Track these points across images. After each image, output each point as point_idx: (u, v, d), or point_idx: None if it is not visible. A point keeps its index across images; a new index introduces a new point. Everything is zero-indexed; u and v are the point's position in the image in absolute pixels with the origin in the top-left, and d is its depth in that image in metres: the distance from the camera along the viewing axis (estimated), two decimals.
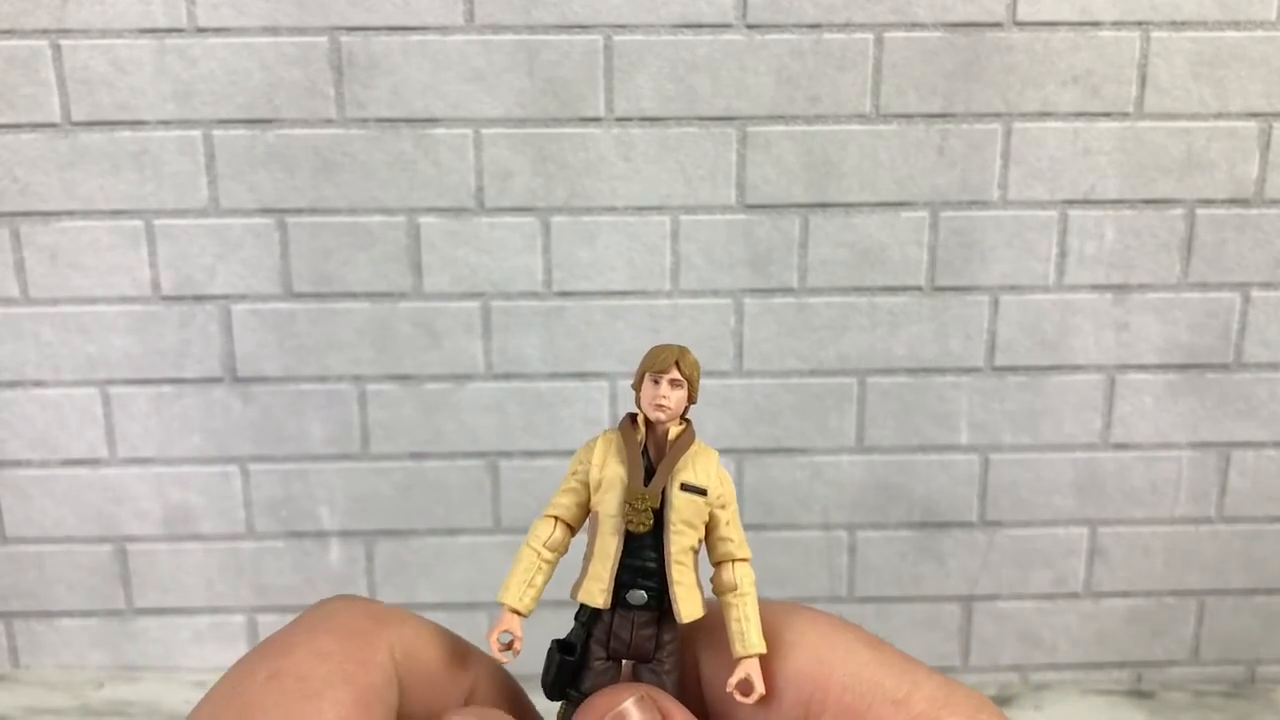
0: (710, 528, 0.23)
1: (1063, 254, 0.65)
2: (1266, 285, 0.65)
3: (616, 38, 0.61)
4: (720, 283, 0.65)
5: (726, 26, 0.61)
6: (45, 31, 0.60)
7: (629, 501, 0.22)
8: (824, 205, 0.64)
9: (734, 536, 0.24)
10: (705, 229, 0.64)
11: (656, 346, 0.23)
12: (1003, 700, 0.70)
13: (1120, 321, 0.66)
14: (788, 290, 0.65)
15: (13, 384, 0.65)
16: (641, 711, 0.20)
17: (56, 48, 0.61)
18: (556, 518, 0.23)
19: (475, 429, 0.67)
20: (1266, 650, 0.72)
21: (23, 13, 0.60)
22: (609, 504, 0.22)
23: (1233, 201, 0.64)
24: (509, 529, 0.68)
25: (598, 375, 0.66)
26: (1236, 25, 0.62)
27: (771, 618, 0.23)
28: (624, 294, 0.65)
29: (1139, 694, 0.71)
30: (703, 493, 0.23)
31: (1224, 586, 0.70)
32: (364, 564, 0.69)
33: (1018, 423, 0.67)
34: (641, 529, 0.22)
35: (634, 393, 0.23)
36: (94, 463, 0.67)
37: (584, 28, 0.61)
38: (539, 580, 0.22)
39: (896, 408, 0.67)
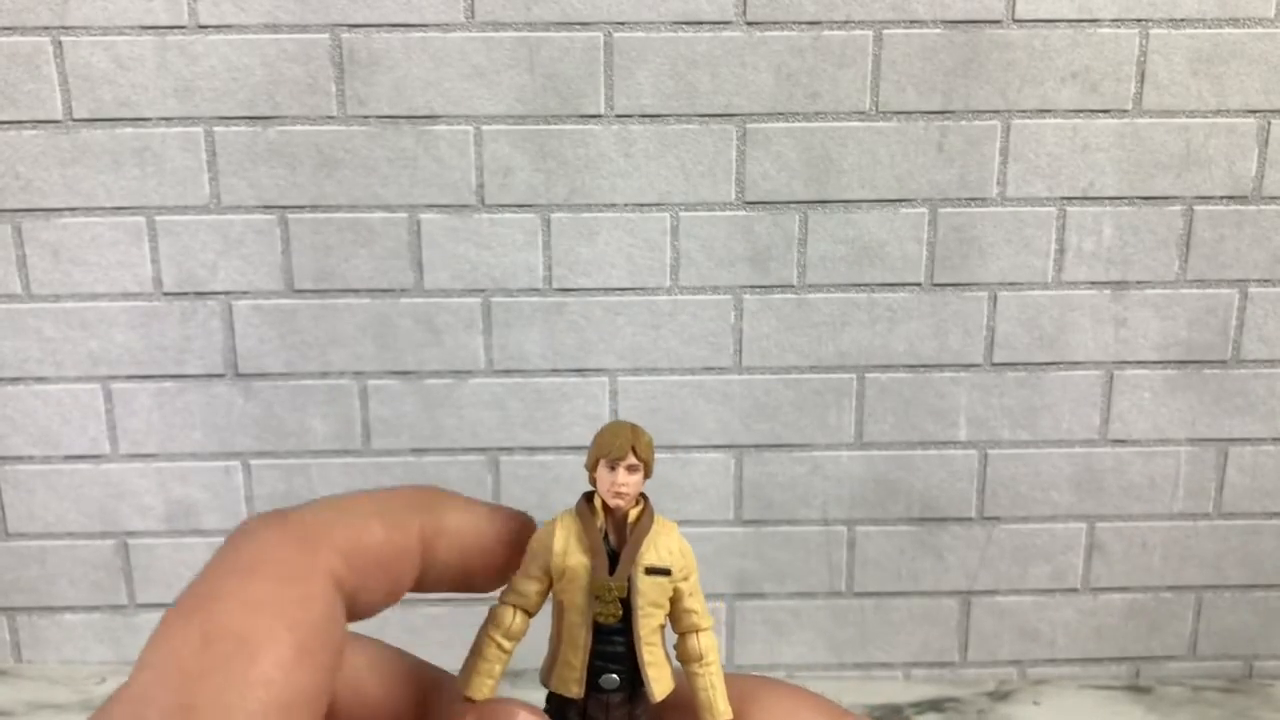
0: (674, 601, 0.23)
1: (1061, 250, 0.65)
2: (1264, 282, 0.66)
3: (617, 35, 0.61)
4: (720, 279, 0.65)
5: (726, 24, 0.61)
6: (47, 28, 0.61)
7: (595, 593, 0.22)
8: (823, 202, 0.64)
9: (697, 607, 0.23)
10: (705, 225, 0.64)
11: (607, 428, 0.23)
12: (1001, 695, 0.70)
13: (1119, 318, 0.66)
14: (787, 286, 0.65)
15: (15, 379, 0.66)
16: None
17: (58, 44, 0.61)
18: (515, 606, 0.23)
19: (476, 425, 0.67)
20: (1264, 645, 0.72)
21: (25, 9, 0.60)
22: (574, 594, 0.22)
23: (1231, 198, 0.64)
24: None
25: (598, 371, 0.66)
26: (1235, 22, 0.62)
27: (739, 691, 0.22)
28: (624, 290, 0.65)
29: (1137, 689, 0.71)
30: (668, 573, 0.22)
31: (1222, 582, 0.71)
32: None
33: (1016, 418, 0.67)
34: (611, 620, 0.22)
35: (588, 474, 0.23)
36: (96, 458, 0.67)
37: (584, 25, 0.61)
38: (497, 670, 0.22)
39: (895, 404, 0.67)
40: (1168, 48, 0.62)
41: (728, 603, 0.70)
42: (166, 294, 0.65)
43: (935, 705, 0.69)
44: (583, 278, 0.65)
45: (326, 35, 0.61)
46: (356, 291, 0.65)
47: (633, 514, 0.22)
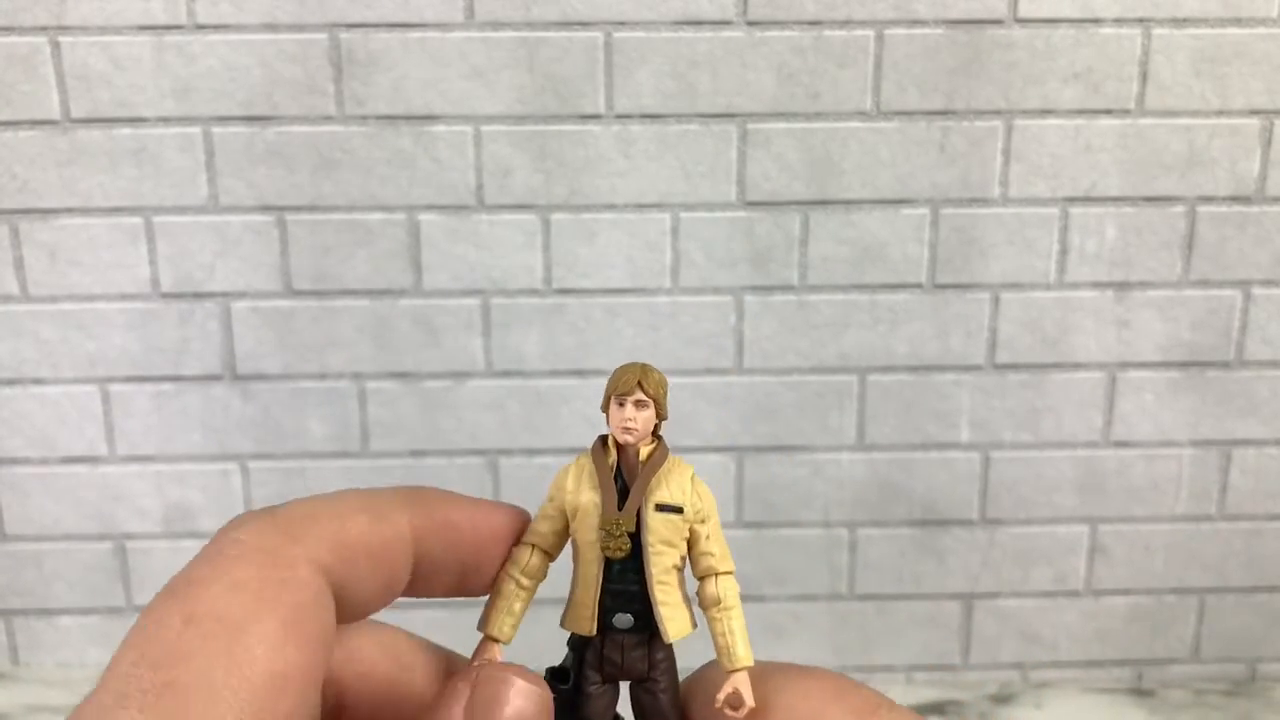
0: (691, 543, 0.23)
1: (1064, 251, 0.65)
2: (1268, 283, 0.65)
3: (617, 34, 0.61)
4: (721, 280, 0.65)
5: (727, 23, 0.61)
6: (44, 28, 0.60)
7: (604, 528, 0.22)
8: (824, 202, 0.64)
9: (715, 550, 0.23)
10: (705, 226, 0.64)
11: (620, 367, 0.23)
12: (1003, 698, 0.70)
13: (1121, 319, 0.66)
14: (788, 288, 0.65)
15: (12, 381, 0.65)
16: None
17: (55, 45, 0.61)
18: (533, 545, 0.23)
19: (475, 427, 0.66)
20: (1267, 648, 0.71)
21: (22, 9, 0.60)
22: (585, 531, 0.22)
23: (1234, 199, 0.64)
24: None
25: (597, 373, 0.66)
26: (1238, 22, 0.61)
27: (758, 673, 0.22)
28: (624, 291, 0.65)
29: (1139, 692, 0.71)
30: (679, 510, 0.22)
31: (1225, 584, 0.70)
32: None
33: (1019, 420, 0.67)
34: (619, 554, 0.22)
35: (604, 414, 0.23)
36: (93, 460, 0.67)
37: (584, 24, 0.61)
38: (517, 608, 0.23)
39: (897, 405, 0.67)
40: (1170, 48, 0.62)
41: None
42: (164, 295, 0.64)
43: (937, 708, 0.69)
44: (582, 279, 0.64)
45: (325, 35, 0.61)
46: (355, 293, 0.65)
47: (644, 452, 0.23)
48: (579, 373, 0.66)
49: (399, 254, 0.64)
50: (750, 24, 0.61)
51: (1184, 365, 0.66)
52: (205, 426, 0.66)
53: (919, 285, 0.65)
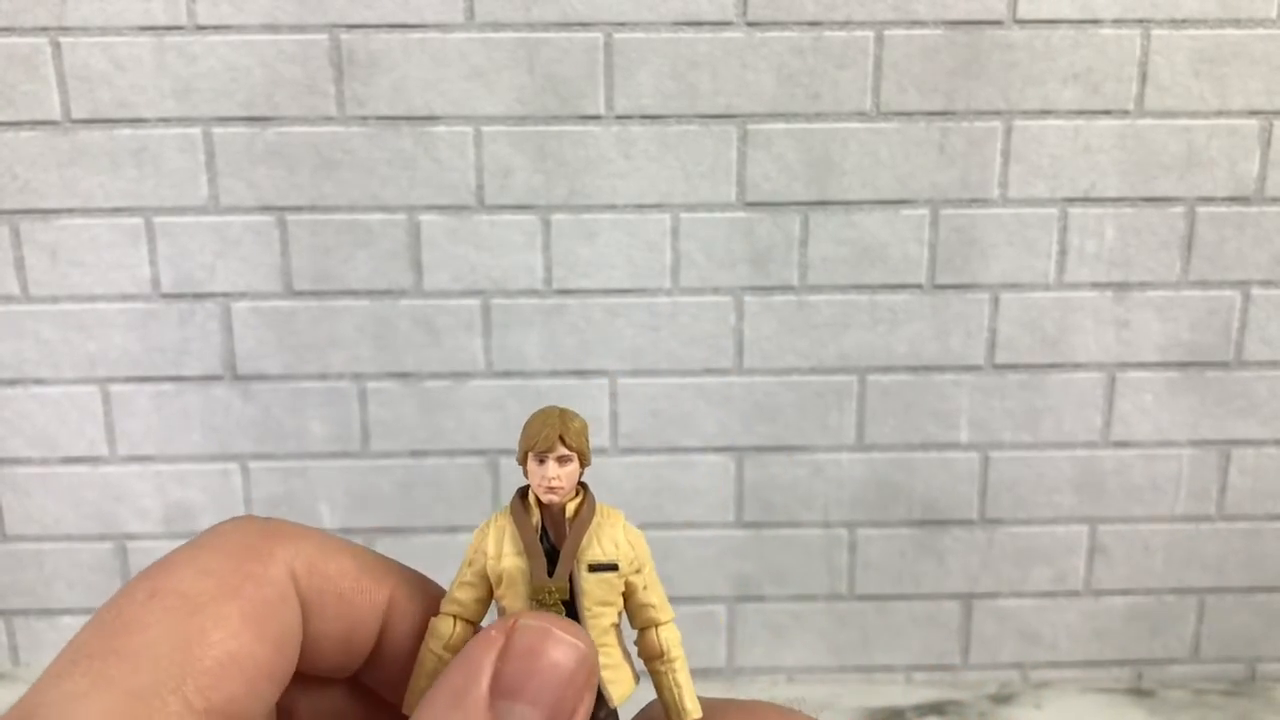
0: (628, 596, 0.21)
1: (1063, 252, 0.65)
2: (1267, 283, 0.65)
3: (617, 35, 0.61)
4: (720, 280, 0.65)
5: (727, 24, 0.61)
6: (45, 29, 0.60)
7: (534, 597, 0.20)
8: (824, 203, 0.64)
9: (654, 600, 0.22)
10: (705, 227, 0.64)
11: (534, 417, 0.21)
12: (1003, 698, 0.70)
13: (1121, 319, 0.66)
14: (788, 288, 0.65)
15: (13, 381, 0.65)
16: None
17: (56, 45, 0.61)
18: (454, 615, 0.21)
19: (475, 427, 0.67)
20: (1267, 648, 0.72)
21: (22, 10, 0.60)
22: (513, 599, 0.20)
23: (1233, 199, 0.64)
24: None
25: (598, 373, 0.66)
26: (1237, 23, 0.62)
27: (706, 710, 0.22)
28: (624, 292, 0.65)
29: (1139, 692, 0.71)
30: (614, 568, 0.21)
31: (1224, 584, 0.70)
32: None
33: (1018, 420, 0.67)
34: None
35: (520, 466, 0.21)
36: (94, 460, 0.67)
37: (584, 25, 0.61)
38: None
39: (897, 406, 0.67)
40: (1169, 48, 0.62)
41: (728, 606, 0.70)
42: (164, 295, 0.64)
43: (937, 708, 0.69)
44: (582, 279, 0.65)
45: (325, 36, 0.61)
46: (355, 293, 0.65)
47: (570, 507, 0.21)
48: (579, 373, 0.66)
49: (399, 254, 0.64)
50: (750, 24, 0.61)
51: (1183, 365, 0.67)
52: (206, 427, 0.66)
53: (919, 285, 0.65)
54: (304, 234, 0.64)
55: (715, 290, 0.65)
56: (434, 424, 0.66)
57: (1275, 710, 0.69)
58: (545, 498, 0.20)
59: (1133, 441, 0.68)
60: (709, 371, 0.66)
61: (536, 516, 0.21)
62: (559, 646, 0.18)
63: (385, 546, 0.68)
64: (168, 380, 0.66)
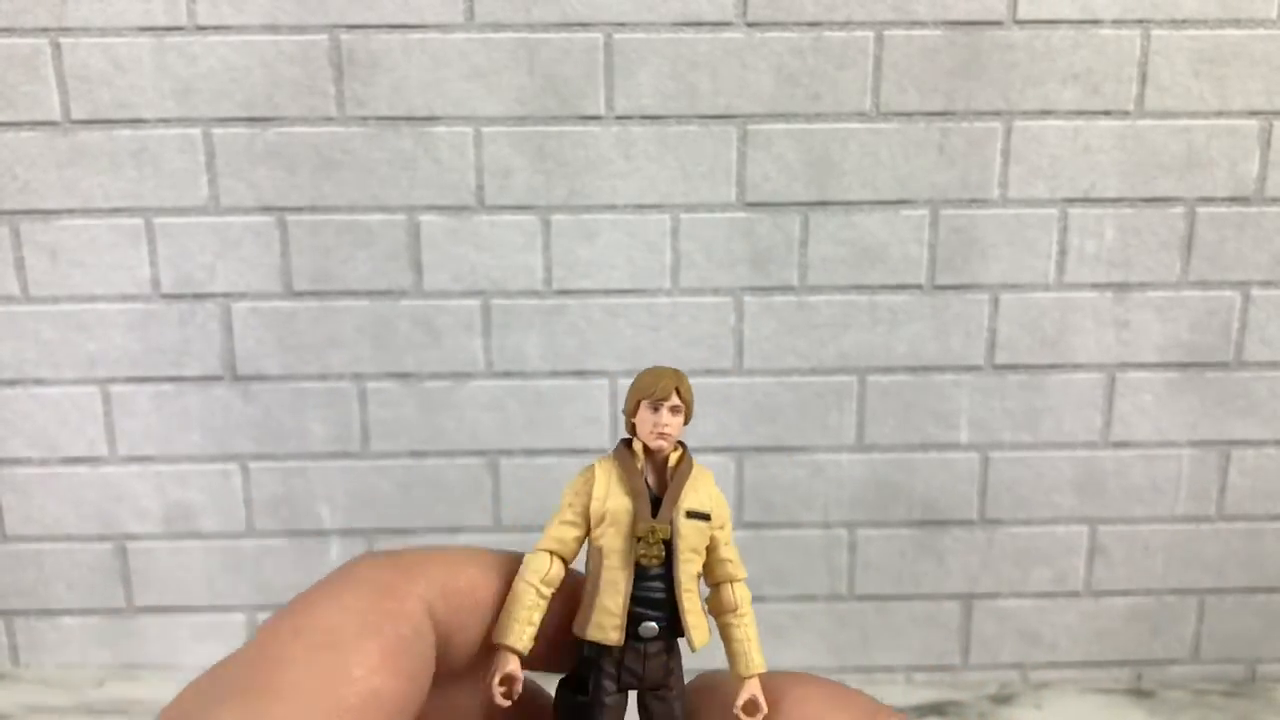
0: (710, 549, 0.23)
1: (1063, 252, 0.65)
2: (1267, 284, 0.65)
3: (617, 35, 0.61)
4: (720, 281, 0.65)
5: (727, 24, 0.61)
6: (45, 30, 0.60)
7: (639, 535, 0.21)
8: (824, 203, 0.64)
9: (732, 557, 0.23)
10: (705, 227, 0.64)
11: (651, 371, 0.23)
12: (1002, 698, 0.70)
13: (1120, 320, 0.66)
14: (788, 288, 0.65)
15: (13, 382, 0.65)
16: None
17: (56, 46, 0.61)
18: (552, 552, 0.22)
19: (475, 427, 0.67)
20: (1267, 649, 0.72)
21: (22, 10, 0.60)
22: (614, 538, 0.22)
23: (1233, 200, 0.64)
24: (509, 527, 0.68)
25: (598, 374, 0.66)
26: (1237, 23, 0.62)
27: (771, 684, 0.22)
28: (624, 292, 0.65)
29: (1139, 692, 0.71)
30: (707, 518, 0.22)
31: (1224, 585, 0.70)
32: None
33: (1018, 421, 0.67)
34: (654, 563, 0.22)
35: (625, 419, 0.23)
36: (94, 461, 0.67)
37: (584, 25, 0.61)
38: (537, 618, 0.22)
39: (897, 406, 0.67)
40: (1169, 49, 0.62)
41: None
42: (164, 296, 0.64)
43: (937, 709, 0.69)
44: (582, 279, 0.65)
45: (325, 36, 0.61)
46: (355, 293, 0.65)
47: (673, 458, 0.22)
48: (579, 373, 0.66)
49: (399, 255, 0.64)
50: (750, 25, 0.61)
51: (1183, 366, 0.67)
52: (206, 427, 0.66)
53: (918, 286, 0.65)
54: (304, 234, 0.64)
55: (715, 290, 0.65)
56: (434, 424, 0.66)
57: (1275, 711, 0.69)
58: (655, 443, 0.22)
59: (1133, 442, 0.68)
60: (709, 372, 0.66)
61: (641, 462, 0.22)
62: None
63: (385, 547, 0.68)
64: (168, 381, 0.66)
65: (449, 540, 0.68)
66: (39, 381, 0.66)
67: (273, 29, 0.61)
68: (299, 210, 0.63)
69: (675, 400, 0.22)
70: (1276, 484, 0.69)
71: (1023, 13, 0.61)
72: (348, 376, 0.66)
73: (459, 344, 0.65)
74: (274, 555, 0.69)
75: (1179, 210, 0.64)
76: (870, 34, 0.61)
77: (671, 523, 0.22)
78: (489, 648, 0.21)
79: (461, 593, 0.21)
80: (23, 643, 0.70)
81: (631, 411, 0.22)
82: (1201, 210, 0.64)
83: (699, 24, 0.61)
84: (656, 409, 0.22)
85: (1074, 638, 0.71)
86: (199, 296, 0.65)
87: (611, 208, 0.63)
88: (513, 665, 0.21)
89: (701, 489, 0.22)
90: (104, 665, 0.70)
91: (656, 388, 0.22)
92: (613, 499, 0.22)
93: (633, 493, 0.22)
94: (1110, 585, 0.70)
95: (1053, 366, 0.66)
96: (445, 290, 0.64)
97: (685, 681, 0.23)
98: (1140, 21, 0.61)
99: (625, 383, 0.65)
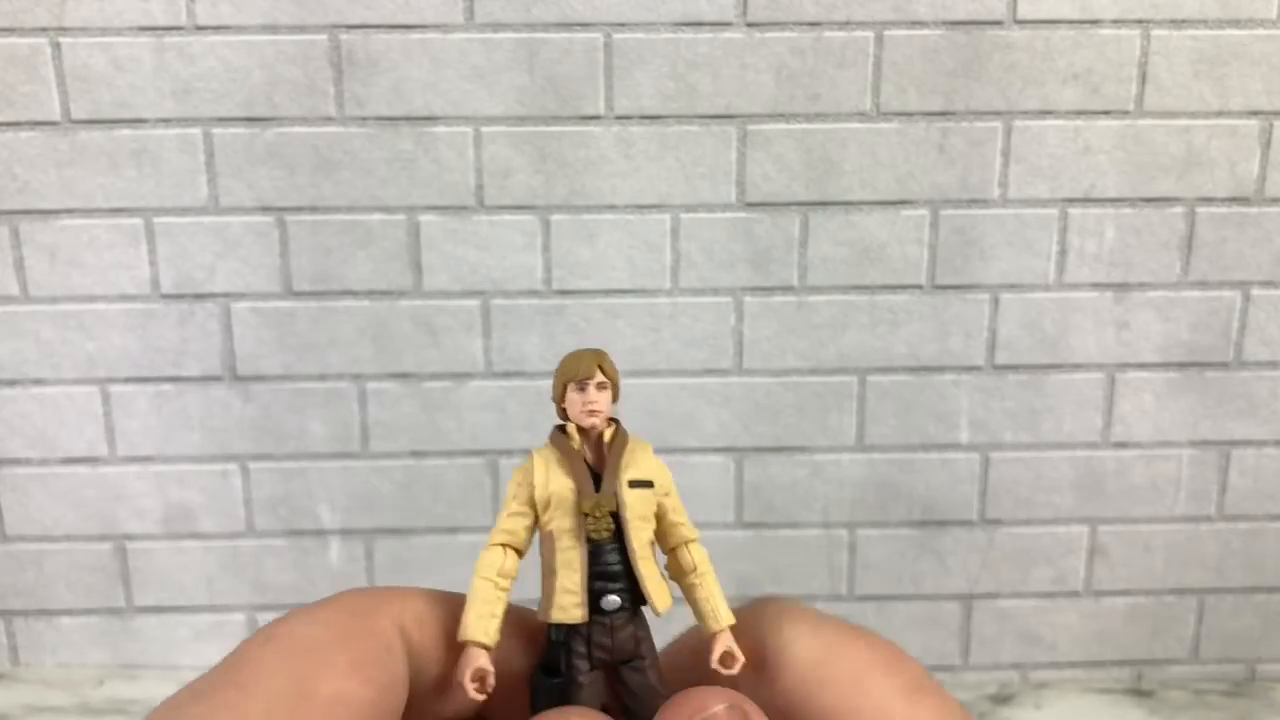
0: (659, 516, 0.23)
1: (1063, 252, 0.65)
2: (1267, 284, 0.65)
3: (616, 35, 0.61)
4: (720, 281, 0.65)
5: (727, 24, 0.61)
6: (44, 29, 0.60)
7: (586, 511, 0.22)
8: (824, 203, 0.64)
9: (683, 520, 0.24)
10: (705, 227, 0.64)
11: (572, 354, 0.23)
12: (1002, 698, 0.70)
13: (1120, 320, 0.66)
14: (788, 288, 0.65)
15: (12, 382, 0.65)
16: (730, 718, 0.20)
17: (56, 45, 0.61)
18: (504, 545, 0.23)
19: (475, 427, 0.66)
20: (1267, 649, 0.72)
21: (22, 10, 0.60)
22: (562, 519, 0.22)
23: (1233, 200, 0.64)
24: None
25: None
26: (1237, 23, 0.62)
27: (825, 639, 0.23)
28: (624, 292, 0.65)
29: (1139, 692, 0.71)
30: (650, 485, 0.23)
31: (1224, 585, 0.70)
32: (364, 562, 0.69)
33: (1018, 421, 0.67)
34: (604, 535, 0.22)
35: (555, 406, 0.24)
36: (94, 461, 0.67)
37: (584, 25, 0.61)
38: (499, 610, 0.22)
39: (897, 406, 0.67)
40: (1169, 49, 0.62)
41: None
42: (164, 296, 0.64)
43: None
44: (582, 280, 0.64)
45: (325, 36, 0.61)
46: (355, 293, 0.65)
47: (607, 434, 0.23)
48: None
49: (399, 255, 0.64)
50: (750, 25, 0.61)
51: (1183, 366, 0.67)
52: (205, 427, 0.66)
53: (919, 286, 0.65)
54: (304, 234, 0.64)
55: (715, 291, 0.65)
56: (434, 424, 0.66)
57: (1275, 711, 0.69)
58: (586, 421, 0.23)
59: (1132, 442, 0.68)
60: (709, 372, 0.66)
61: (578, 443, 0.23)
62: None
63: (385, 547, 0.68)
64: (167, 381, 0.66)
65: (449, 540, 0.68)
66: (38, 381, 0.65)
67: (272, 29, 0.61)
68: (299, 210, 0.63)
69: (600, 377, 0.23)
70: (1276, 484, 0.69)
71: (1023, 13, 0.61)
72: (347, 377, 0.66)
73: (459, 344, 0.65)
74: (274, 555, 0.69)
75: (1179, 210, 0.64)
76: (870, 34, 0.61)
77: (616, 494, 0.22)
78: (455, 697, 0.22)
79: (436, 621, 0.21)
80: (22, 643, 0.70)
81: (560, 397, 0.23)
82: (1201, 210, 0.64)
83: (699, 24, 0.61)
84: (583, 388, 0.23)
85: (1074, 638, 0.71)
86: (199, 296, 0.65)
87: (611, 208, 0.63)
88: (482, 660, 0.21)
89: (641, 459, 0.23)
90: (103, 665, 0.70)
91: (579, 368, 0.23)
92: (554, 482, 0.22)
93: (573, 473, 0.22)
94: (1110, 585, 0.70)
95: (1053, 366, 0.66)
96: (445, 290, 0.64)
97: (658, 650, 0.24)
98: (1140, 21, 0.61)
99: (625, 383, 0.65)
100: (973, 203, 0.64)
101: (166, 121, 0.62)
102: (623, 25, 0.61)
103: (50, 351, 0.65)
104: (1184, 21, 0.61)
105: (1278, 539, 0.70)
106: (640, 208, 0.64)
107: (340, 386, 0.66)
